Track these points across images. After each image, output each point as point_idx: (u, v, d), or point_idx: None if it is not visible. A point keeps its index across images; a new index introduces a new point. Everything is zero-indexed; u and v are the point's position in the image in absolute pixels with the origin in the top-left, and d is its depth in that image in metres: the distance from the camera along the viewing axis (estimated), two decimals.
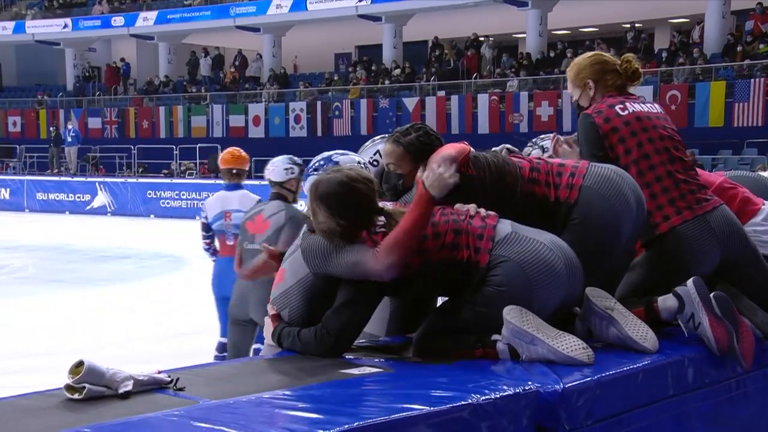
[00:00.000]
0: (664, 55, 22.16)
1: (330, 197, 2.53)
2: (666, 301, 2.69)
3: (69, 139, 25.91)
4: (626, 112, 3.09)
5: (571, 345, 2.41)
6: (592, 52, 3.32)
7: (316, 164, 3.02)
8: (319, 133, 24.99)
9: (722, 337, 2.58)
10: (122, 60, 31.99)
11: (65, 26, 31.66)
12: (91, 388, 2.11)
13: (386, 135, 3.06)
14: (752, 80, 19.45)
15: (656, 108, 3.21)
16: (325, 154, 3.06)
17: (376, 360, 2.56)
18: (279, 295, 2.72)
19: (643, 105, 3.16)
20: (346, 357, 2.58)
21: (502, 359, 2.48)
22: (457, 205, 2.64)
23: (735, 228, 3.00)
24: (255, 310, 4.76)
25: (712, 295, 2.64)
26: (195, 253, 14.44)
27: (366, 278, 2.52)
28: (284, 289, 2.70)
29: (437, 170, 2.52)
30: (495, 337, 2.51)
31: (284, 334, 2.62)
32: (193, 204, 21.78)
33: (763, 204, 3.23)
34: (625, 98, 3.16)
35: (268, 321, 2.71)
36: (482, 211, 2.63)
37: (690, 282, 2.65)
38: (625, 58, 3.26)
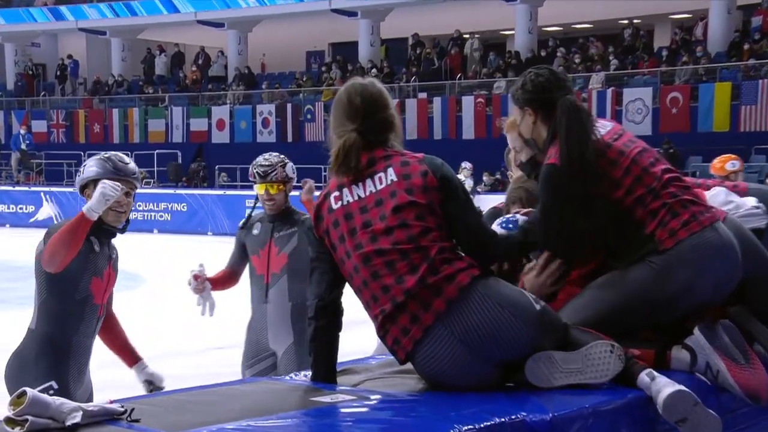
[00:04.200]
0: (665, 53, 22.40)
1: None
2: (679, 353, 2.73)
3: (23, 146, 25.76)
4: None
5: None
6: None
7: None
8: (290, 139, 24.97)
9: (746, 381, 2.61)
10: (69, 57, 31.78)
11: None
12: (35, 420, 2.10)
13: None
14: (760, 81, 19.66)
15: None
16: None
17: (350, 386, 2.56)
18: None
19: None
20: (318, 384, 2.59)
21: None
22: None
23: (745, 244, 3.02)
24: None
25: (722, 329, 2.68)
26: (153, 271, 14.35)
27: None
28: None
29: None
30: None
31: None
32: (151, 216, 21.66)
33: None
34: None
35: None
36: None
37: (696, 330, 2.69)
38: None
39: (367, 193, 2.65)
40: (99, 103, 29.39)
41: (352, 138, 2.69)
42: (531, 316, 2.55)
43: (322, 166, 23.53)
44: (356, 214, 2.64)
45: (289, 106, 25.50)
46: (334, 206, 2.67)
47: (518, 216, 3.05)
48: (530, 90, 2.95)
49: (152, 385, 3.70)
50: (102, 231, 3.46)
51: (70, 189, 23.84)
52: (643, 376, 2.53)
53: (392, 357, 2.83)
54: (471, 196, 2.79)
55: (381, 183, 2.65)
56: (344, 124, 2.73)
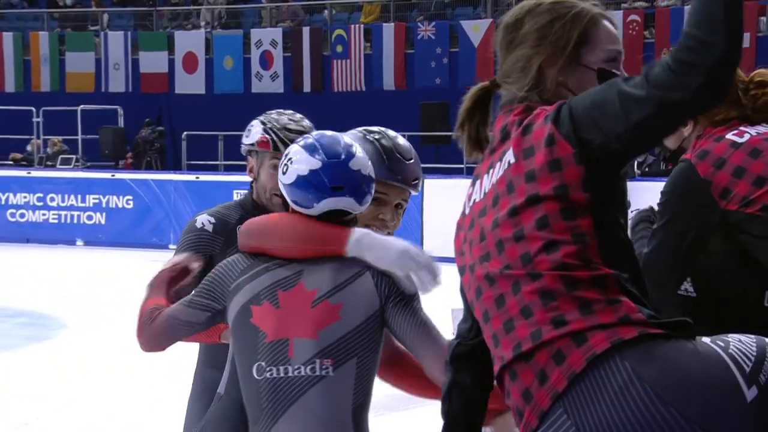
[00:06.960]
0: None
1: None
2: None
3: None
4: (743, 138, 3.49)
5: None
6: None
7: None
8: (306, 88, 25.04)
9: None
10: None
11: None
12: None
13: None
14: None
15: None
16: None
17: None
18: None
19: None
20: None
21: None
22: None
23: None
24: None
25: None
26: (77, 311, 14.36)
27: None
28: None
29: None
30: None
31: None
32: (71, 218, 21.77)
33: None
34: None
35: None
36: None
37: None
38: (756, 78, 3.61)
39: (489, 187, 2.74)
40: None
41: (475, 89, 2.91)
42: (727, 416, 2.45)
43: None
44: (476, 220, 2.76)
45: (305, 31, 25.62)
46: (467, 209, 2.84)
47: None
48: None
49: None
50: None
51: None
52: None
53: None
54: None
55: (501, 169, 2.71)
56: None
